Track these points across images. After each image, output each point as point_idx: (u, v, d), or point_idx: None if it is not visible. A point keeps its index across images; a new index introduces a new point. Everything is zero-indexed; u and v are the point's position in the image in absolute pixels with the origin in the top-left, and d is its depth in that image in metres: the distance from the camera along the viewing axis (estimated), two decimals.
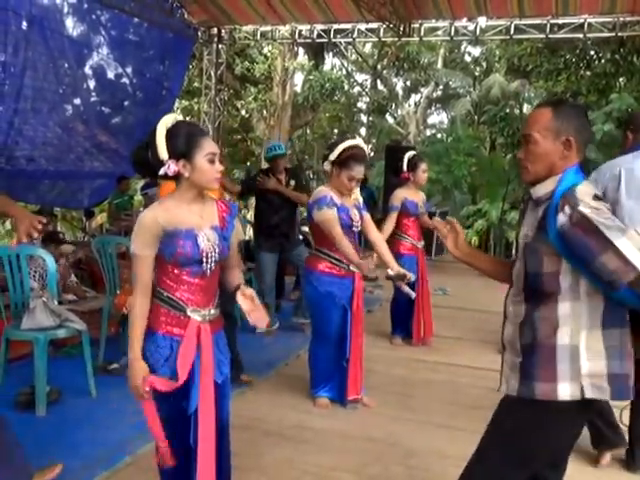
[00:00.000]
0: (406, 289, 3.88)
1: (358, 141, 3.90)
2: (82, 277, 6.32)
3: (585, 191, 1.81)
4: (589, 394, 1.87)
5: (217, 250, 2.28)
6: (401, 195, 5.35)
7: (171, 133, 2.17)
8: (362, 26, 10.12)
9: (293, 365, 4.96)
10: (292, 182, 5.83)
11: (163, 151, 2.16)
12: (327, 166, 3.83)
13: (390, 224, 5.30)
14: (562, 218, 1.78)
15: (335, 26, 10.23)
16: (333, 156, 3.77)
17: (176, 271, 2.24)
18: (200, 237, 2.23)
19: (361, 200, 4.08)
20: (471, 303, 7.26)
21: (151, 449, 3.24)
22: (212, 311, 2.32)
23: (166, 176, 2.20)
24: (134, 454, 3.24)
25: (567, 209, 1.78)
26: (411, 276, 3.84)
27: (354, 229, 3.91)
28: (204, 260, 2.24)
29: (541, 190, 1.92)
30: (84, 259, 6.53)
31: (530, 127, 1.93)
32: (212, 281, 2.33)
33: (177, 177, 2.22)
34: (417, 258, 5.46)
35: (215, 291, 2.37)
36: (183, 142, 2.17)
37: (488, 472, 2.03)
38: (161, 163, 2.17)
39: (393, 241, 5.43)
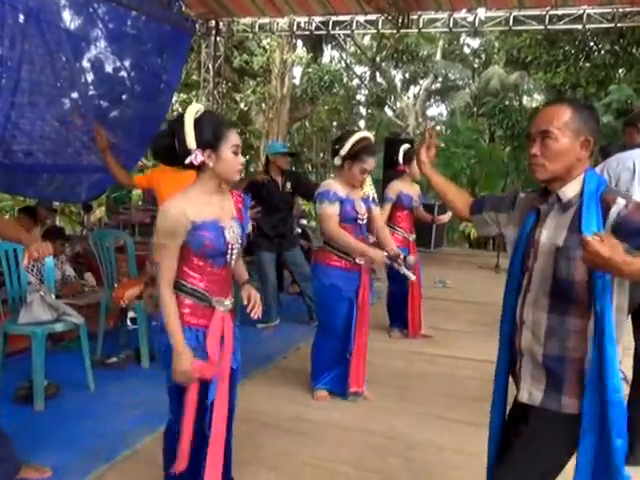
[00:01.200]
0: (403, 270, 3.85)
1: (366, 133, 3.90)
2: (81, 271, 6.33)
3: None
4: None
5: (239, 241, 2.34)
6: (397, 187, 5.34)
7: (199, 123, 2.17)
8: (361, 18, 10.07)
9: (292, 358, 4.96)
10: (288, 185, 5.83)
11: (192, 140, 2.16)
12: (338, 161, 3.78)
13: (384, 215, 5.28)
14: (616, 209, 1.75)
15: (333, 18, 10.18)
16: (344, 150, 3.72)
17: (201, 263, 2.27)
18: (227, 229, 2.27)
19: (372, 194, 4.06)
20: (470, 295, 7.27)
21: (150, 442, 3.27)
22: (230, 301, 2.39)
23: (190, 165, 2.21)
24: (133, 447, 3.25)
25: (620, 200, 1.77)
26: (402, 255, 3.84)
27: (359, 222, 3.89)
28: (229, 252, 2.29)
29: (570, 192, 1.87)
30: (82, 253, 6.53)
31: (549, 122, 1.85)
32: (230, 272, 2.40)
33: (199, 167, 2.24)
34: (408, 251, 5.45)
35: (232, 281, 2.44)
36: (210, 132, 2.18)
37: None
38: (188, 152, 2.17)
39: (394, 237, 5.41)
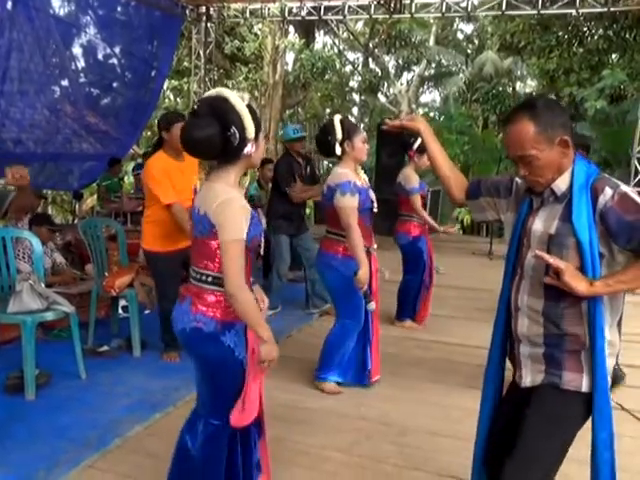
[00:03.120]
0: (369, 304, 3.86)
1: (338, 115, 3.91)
2: (72, 260, 6.28)
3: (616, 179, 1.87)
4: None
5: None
6: (414, 176, 5.26)
7: (252, 112, 2.14)
8: (353, 3, 10.01)
9: (284, 344, 4.93)
10: (308, 168, 5.84)
11: (252, 130, 2.11)
12: (338, 149, 3.72)
13: (417, 206, 5.24)
14: (603, 199, 1.79)
15: (325, 3, 10.13)
16: (339, 134, 3.68)
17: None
18: (262, 220, 2.24)
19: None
20: (464, 281, 7.26)
21: (141, 431, 3.26)
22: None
23: (228, 156, 2.16)
24: (124, 436, 3.23)
25: (608, 190, 1.80)
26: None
27: (374, 210, 3.86)
28: (262, 243, 2.29)
29: (563, 185, 1.89)
30: (73, 242, 6.48)
31: (520, 147, 1.86)
32: None
33: (237, 157, 2.17)
34: (425, 238, 5.44)
35: None
36: (257, 121, 2.18)
37: (540, 465, 1.96)
38: (246, 143, 2.12)
39: (404, 223, 5.38)
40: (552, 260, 1.81)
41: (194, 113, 2.12)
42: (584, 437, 1.95)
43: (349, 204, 3.64)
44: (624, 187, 1.82)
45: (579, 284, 1.79)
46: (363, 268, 3.63)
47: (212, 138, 2.06)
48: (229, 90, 2.14)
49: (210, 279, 2.20)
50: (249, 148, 2.13)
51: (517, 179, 2.10)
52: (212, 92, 2.18)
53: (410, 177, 5.27)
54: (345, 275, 3.74)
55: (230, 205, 2.10)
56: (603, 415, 1.87)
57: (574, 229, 1.81)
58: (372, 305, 3.78)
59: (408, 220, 5.35)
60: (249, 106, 2.13)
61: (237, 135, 2.07)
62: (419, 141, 5.17)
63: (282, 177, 5.65)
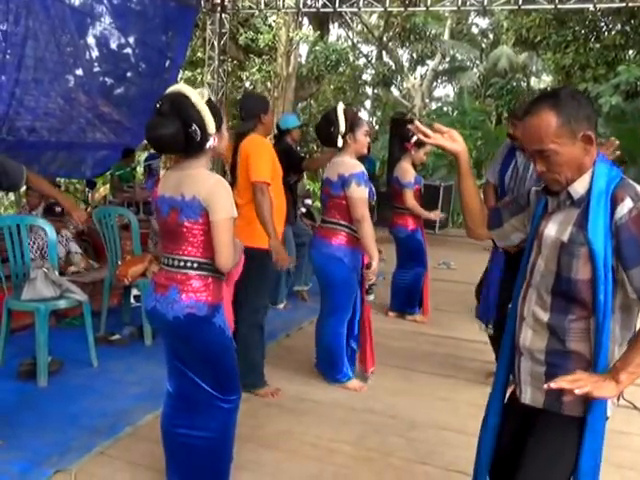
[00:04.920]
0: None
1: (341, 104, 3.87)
2: (85, 249, 6.32)
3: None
4: (609, 412, 1.78)
5: None
6: (410, 171, 5.25)
7: (212, 107, 2.26)
8: None
9: (294, 336, 4.97)
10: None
11: (212, 126, 2.23)
12: (340, 141, 3.68)
13: (409, 202, 5.25)
14: (621, 210, 1.65)
15: None
16: (342, 126, 3.63)
17: None
18: None
19: None
20: (475, 277, 7.21)
21: (152, 419, 3.29)
22: None
23: (192, 150, 2.26)
24: (134, 424, 3.26)
25: (628, 201, 1.65)
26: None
27: (373, 204, 3.85)
28: None
29: (581, 188, 1.74)
30: (86, 230, 6.51)
31: (539, 141, 1.71)
32: None
33: (201, 150, 2.30)
34: (421, 230, 5.45)
35: None
36: (218, 115, 2.30)
37: None
38: (208, 138, 2.24)
39: (401, 216, 5.38)
40: (570, 385, 1.64)
41: (157, 111, 2.21)
42: None
43: (364, 195, 3.62)
44: None
45: (605, 390, 1.63)
46: (376, 259, 3.63)
47: (175, 135, 2.18)
48: (189, 87, 2.26)
49: (196, 265, 2.29)
50: (211, 142, 2.25)
51: (533, 188, 1.97)
52: (174, 89, 2.26)
53: (407, 171, 5.27)
54: (350, 267, 3.75)
55: (222, 187, 2.25)
56: (595, 443, 1.75)
57: (588, 238, 1.67)
58: (372, 296, 3.81)
59: (405, 213, 5.35)
60: (209, 101, 2.24)
61: (198, 132, 2.18)
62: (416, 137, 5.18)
63: (296, 156, 5.53)
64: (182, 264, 2.30)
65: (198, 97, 2.19)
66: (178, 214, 2.26)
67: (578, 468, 1.75)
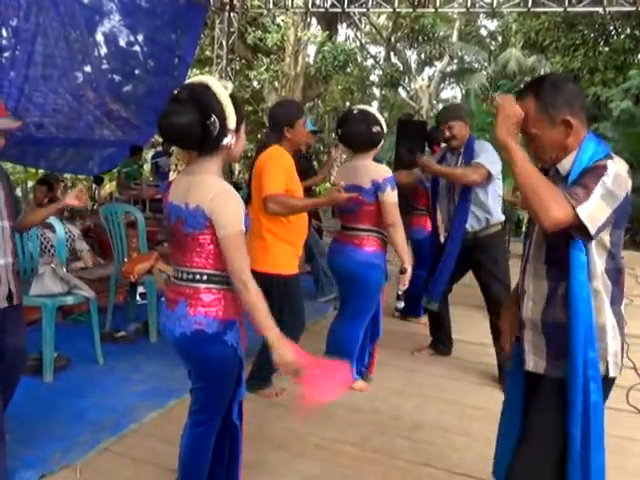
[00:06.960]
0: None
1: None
2: (92, 246, 6.33)
3: (623, 163, 1.81)
4: (613, 372, 1.86)
5: None
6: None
7: (235, 101, 2.07)
8: None
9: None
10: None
11: (232, 121, 2.04)
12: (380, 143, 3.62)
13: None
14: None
15: None
16: (385, 127, 3.58)
17: None
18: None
19: None
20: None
21: (156, 416, 3.29)
22: None
23: (206, 149, 2.09)
24: (139, 421, 3.28)
25: (609, 164, 1.76)
26: None
27: None
28: None
29: (567, 165, 1.87)
30: (93, 227, 6.53)
31: (525, 126, 1.86)
32: None
33: (216, 149, 2.08)
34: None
35: None
36: (240, 111, 2.12)
37: (539, 459, 1.91)
38: (225, 134, 2.03)
39: (420, 217, 5.33)
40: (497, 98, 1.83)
41: (175, 98, 2.01)
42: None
43: (396, 199, 3.55)
44: (620, 168, 1.77)
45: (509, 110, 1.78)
46: (410, 264, 3.61)
47: (191, 125, 1.96)
48: (212, 77, 2.06)
49: (205, 277, 2.09)
50: (229, 139, 2.03)
51: None
52: (195, 79, 2.06)
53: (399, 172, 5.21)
54: (385, 272, 3.72)
55: (228, 196, 2.02)
56: (575, 408, 1.81)
57: None
58: (402, 303, 3.74)
59: (424, 214, 5.30)
60: (232, 96, 2.04)
61: (217, 124, 1.97)
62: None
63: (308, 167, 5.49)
64: (190, 277, 2.10)
65: (221, 88, 2.00)
66: (182, 224, 2.07)
67: (568, 434, 1.82)
